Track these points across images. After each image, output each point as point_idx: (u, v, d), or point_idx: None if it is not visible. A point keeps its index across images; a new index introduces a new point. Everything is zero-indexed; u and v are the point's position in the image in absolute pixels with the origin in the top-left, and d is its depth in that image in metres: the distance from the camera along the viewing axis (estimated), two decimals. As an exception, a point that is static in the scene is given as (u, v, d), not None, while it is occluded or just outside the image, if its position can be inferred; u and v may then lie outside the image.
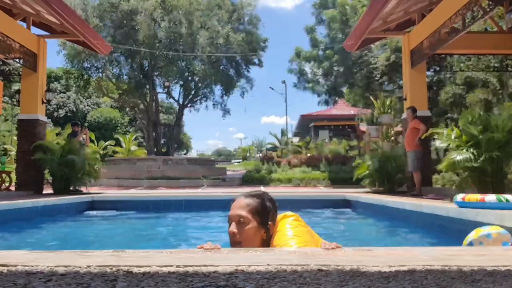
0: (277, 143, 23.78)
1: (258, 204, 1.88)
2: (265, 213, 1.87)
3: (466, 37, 7.97)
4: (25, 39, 8.53)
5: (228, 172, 18.50)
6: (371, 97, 14.45)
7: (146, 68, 19.18)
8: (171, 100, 25.15)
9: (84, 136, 9.64)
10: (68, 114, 32.02)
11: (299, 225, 1.98)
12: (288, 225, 1.94)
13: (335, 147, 16.67)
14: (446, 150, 6.00)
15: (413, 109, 7.69)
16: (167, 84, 19.84)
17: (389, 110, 11.27)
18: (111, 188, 11.81)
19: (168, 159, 16.25)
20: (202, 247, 1.50)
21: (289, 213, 2.07)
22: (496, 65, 9.32)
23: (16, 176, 8.88)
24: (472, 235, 2.24)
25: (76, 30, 8.80)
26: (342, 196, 7.71)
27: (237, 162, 37.92)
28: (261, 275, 0.94)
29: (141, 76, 19.13)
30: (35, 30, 9.41)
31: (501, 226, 2.75)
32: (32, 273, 0.93)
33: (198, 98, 21.53)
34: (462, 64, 9.43)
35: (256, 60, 20.05)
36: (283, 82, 32.14)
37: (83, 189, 8.85)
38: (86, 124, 20.77)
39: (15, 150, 10.70)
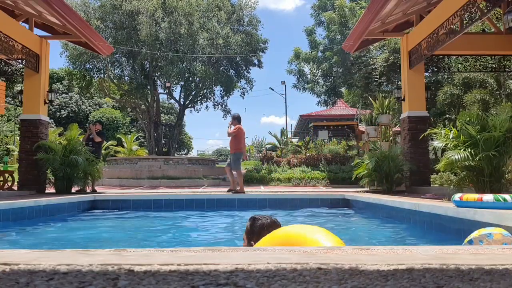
0: (276, 143, 23.72)
1: (247, 226, 2.38)
2: (251, 233, 2.31)
3: (464, 38, 8.00)
4: (27, 40, 8.55)
5: (228, 172, 18.46)
6: (369, 98, 14.45)
7: (147, 69, 19.18)
8: (172, 100, 25.17)
9: (93, 133, 9.30)
10: (70, 115, 32.09)
11: None
12: None
13: (334, 147, 16.65)
14: (444, 150, 6.01)
15: (234, 117, 8.69)
16: (168, 84, 19.81)
17: (388, 111, 11.23)
18: (112, 188, 11.82)
19: (169, 159, 16.24)
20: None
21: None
22: (493, 65, 9.32)
23: (18, 175, 8.91)
24: (474, 234, 2.24)
25: (78, 31, 8.81)
26: (341, 196, 7.74)
27: (237, 162, 37.79)
28: (261, 273, 0.94)
29: (142, 77, 19.13)
30: (38, 32, 9.44)
31: (500, 226, 2.77)
32: (34, 271, 0.93)
33: (199, 99, 21.50)
34: (460, 65, 9.43)
35: (256, 61, 20.04)
36: (283, 82, 32.11)
37: (86, 188, 8.87)
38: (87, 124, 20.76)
39: (18, 150, 10.72)
